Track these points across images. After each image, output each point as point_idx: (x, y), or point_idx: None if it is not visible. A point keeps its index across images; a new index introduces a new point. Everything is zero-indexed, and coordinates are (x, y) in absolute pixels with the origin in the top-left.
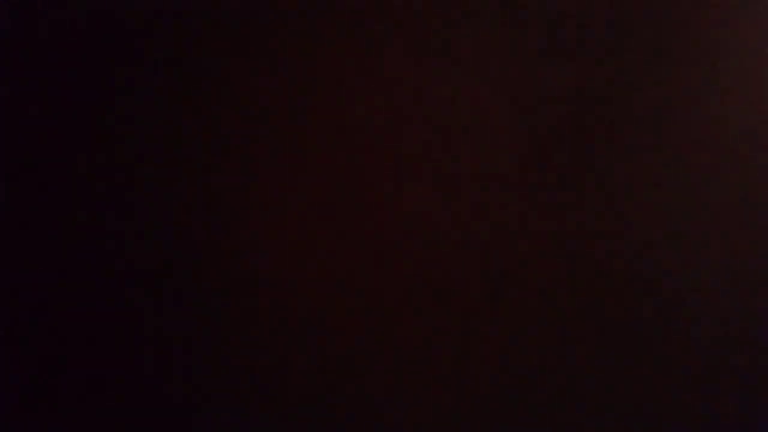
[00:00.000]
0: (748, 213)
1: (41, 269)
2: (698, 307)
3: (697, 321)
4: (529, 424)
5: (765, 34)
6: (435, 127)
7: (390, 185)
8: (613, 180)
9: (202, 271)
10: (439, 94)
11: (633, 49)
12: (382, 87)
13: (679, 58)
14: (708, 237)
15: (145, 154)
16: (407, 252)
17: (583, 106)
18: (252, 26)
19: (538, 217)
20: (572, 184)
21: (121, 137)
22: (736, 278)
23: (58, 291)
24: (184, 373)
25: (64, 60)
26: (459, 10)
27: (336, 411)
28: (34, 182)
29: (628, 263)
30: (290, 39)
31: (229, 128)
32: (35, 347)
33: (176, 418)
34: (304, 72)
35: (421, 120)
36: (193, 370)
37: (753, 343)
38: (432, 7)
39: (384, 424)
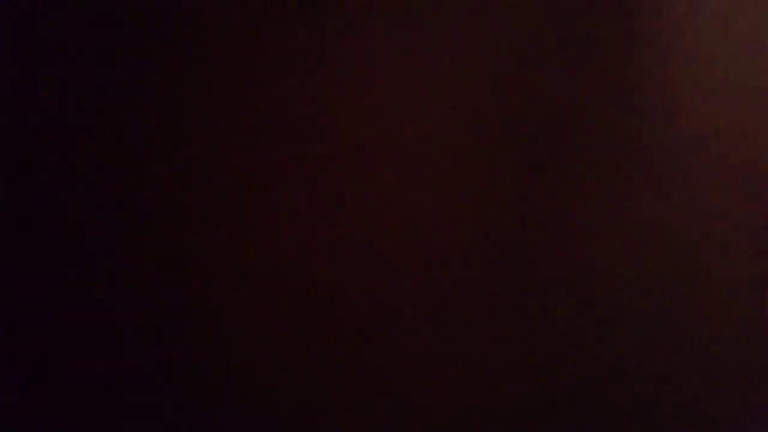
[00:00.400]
0: (747, 213)
1: (41, 269)
2: (700, 307)
3: (699, 321)
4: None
5: (761, 39)
6: (424, 127)
7: (381, 185)
8: (600, 182)
9: (202, 272)
10: (429, 94)
11: (625, 52)
12: (376, 87)
13: (677, 61)
14: (708, 237)
15: (144, 154)
16: (406, 253)
17: (565, 110)
18: (250, 26)
19: (528, 210)
20: (561, 186)
21: (121, 137)
22: (737, 278)
23: (57, 291)
24: (183, 373)
25: (64, 59)
26: (448, 10)
27: (292, 411)
28: (34, 182)
29: (625, 262)
30: (285, 39)
31: (229, 128)
32: (35, 347)
33: (175, 418)
34: (299, 72)
35: (418, 119)
36: (193, 371)
37: (753, 343)
38: (421, 7)
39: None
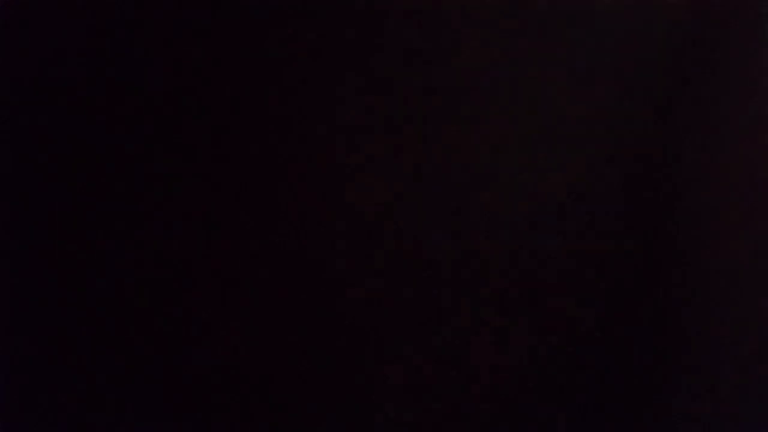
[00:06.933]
0: (748, 214)
1: (41, 269)
2: (699, 306)
3: (699, 320)
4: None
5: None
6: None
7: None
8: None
9: (202, 272)
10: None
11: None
12: (371, 88)
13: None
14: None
15: (144, 155)
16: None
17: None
18: (250, 26)
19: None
20: (557, 187)
21: (120, 138)
22: (736, 278)
23: (57, 291)
24: (183, 373)
25: (68, 58)
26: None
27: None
28: (34, 182)
29: (624, 261)
30: (281, 41)
31: (229, 128)
32: (35, 347)
33: (174, 418)
34: (294, 73)
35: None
36: (192, 371)
37: (754, 342)
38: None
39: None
